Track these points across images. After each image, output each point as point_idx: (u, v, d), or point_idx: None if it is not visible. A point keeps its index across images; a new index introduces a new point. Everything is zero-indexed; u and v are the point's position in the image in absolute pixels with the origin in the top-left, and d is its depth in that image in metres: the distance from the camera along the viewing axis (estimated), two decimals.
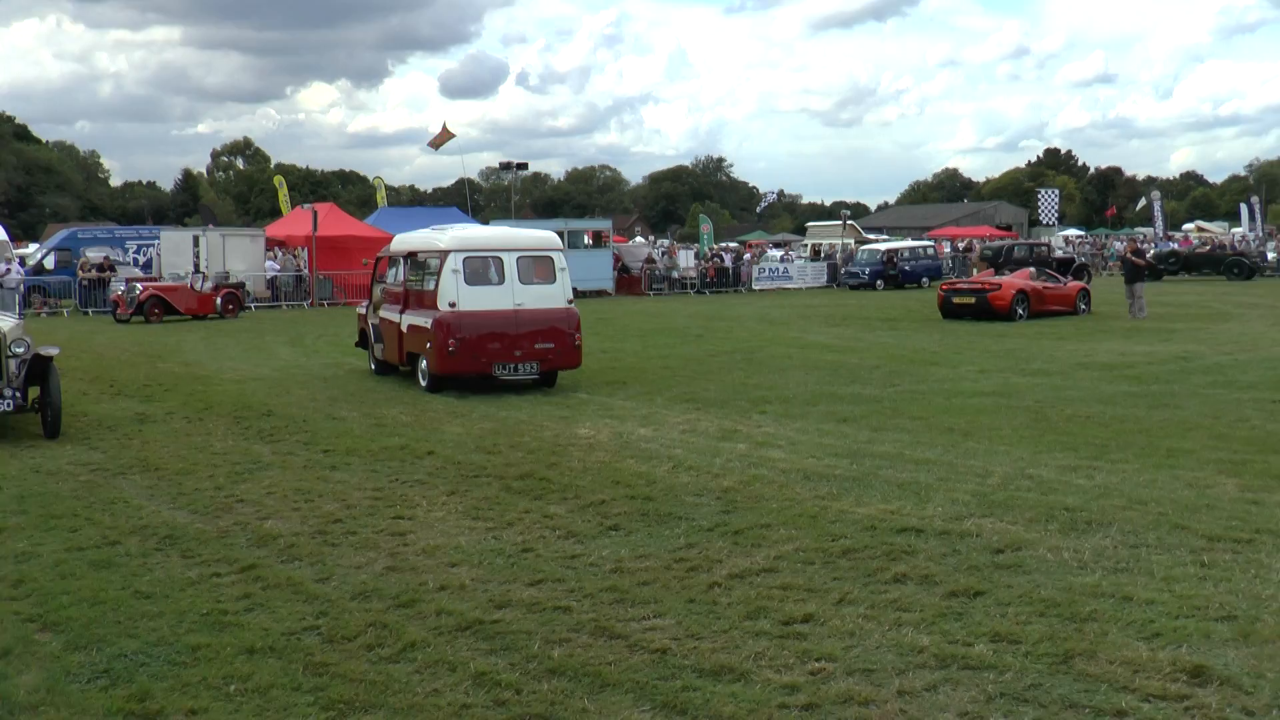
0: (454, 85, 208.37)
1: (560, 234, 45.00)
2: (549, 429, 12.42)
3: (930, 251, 49.78)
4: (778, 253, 59.30)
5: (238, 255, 38.96)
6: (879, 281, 45.76)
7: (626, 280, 46.54)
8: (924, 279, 46.90)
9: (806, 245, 63.00)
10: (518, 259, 16.12)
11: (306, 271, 39.96)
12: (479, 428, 12.60)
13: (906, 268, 46.87)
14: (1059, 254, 47.92)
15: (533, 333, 15.87)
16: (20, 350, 12.44)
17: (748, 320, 29.87)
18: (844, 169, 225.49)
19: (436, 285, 15.99)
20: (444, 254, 16.00)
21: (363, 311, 19.47)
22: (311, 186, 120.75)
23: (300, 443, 11.87)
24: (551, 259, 16.35)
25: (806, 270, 50.99)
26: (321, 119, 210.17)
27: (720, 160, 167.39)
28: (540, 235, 16.89)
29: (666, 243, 74.20)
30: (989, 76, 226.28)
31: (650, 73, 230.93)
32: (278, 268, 40.14)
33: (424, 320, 16.03)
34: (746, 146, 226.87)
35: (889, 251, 47.43)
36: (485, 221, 55.96)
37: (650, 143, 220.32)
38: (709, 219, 65.23)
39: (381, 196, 60.65)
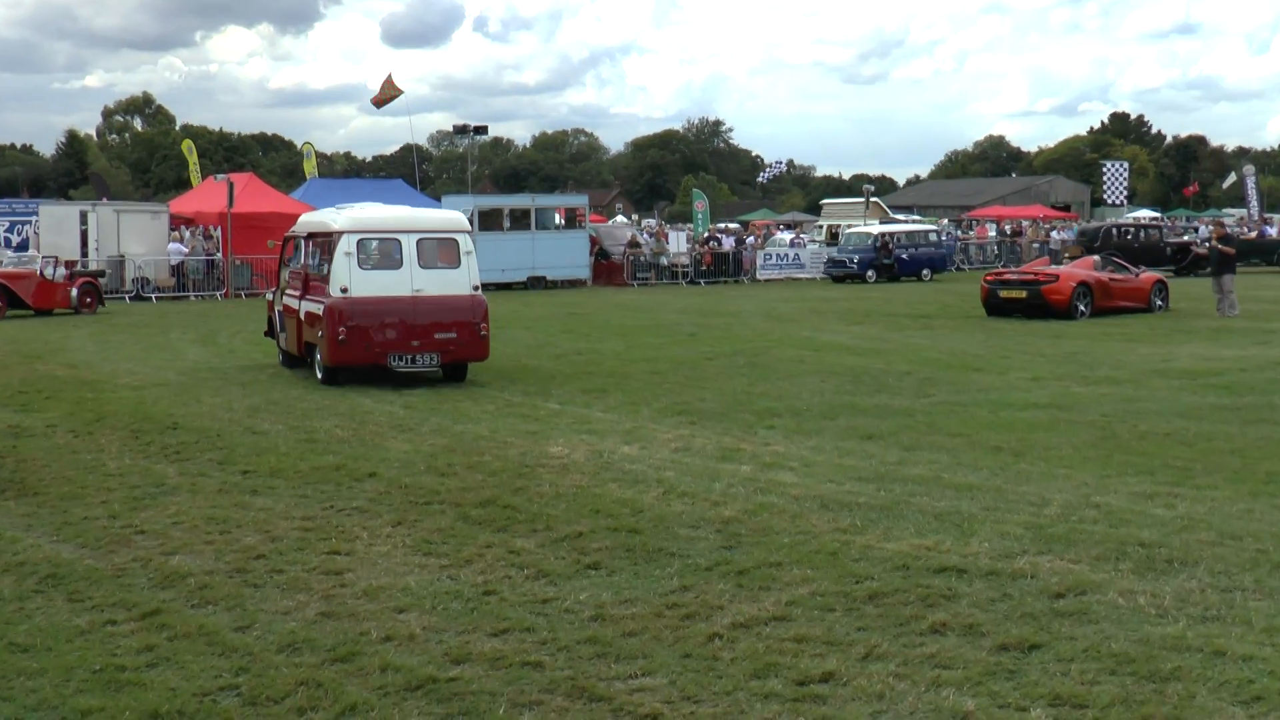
0: (399, 31, 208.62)
1: (527, 211, 45.16)
2: (514, 446, 12.40)
3: (934, 236, 49.64)
4: (787, 235, 59.51)
5: (135, 235, 38.87)
6: (870, 272, 45.39)
7: (606, 267, 46.58)
8: (925, 270, 46.79)
9: (821, 227, 63.07)
10: (418, 241, 17.42)
11: (220, 255, 39.88)
12: (430, 444, 12.57)
13: (904, 255, 46.72)
14: (1181, 240, 47.47)
15: (432, 321, 17.12)
16: None
17: (751, 316, 29.91)
18: (866, 135, 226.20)
19: (329, 269, 17.22)
20: (338, 235, 17.28)
21: (270, 298, 20.63)
22: (226, 153, 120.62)
23: (213, 462, 11.81)
24: (456, 241, 17.64)
25: (822, 256, 51.09)
26: (238, 71, 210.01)
27: (717, 124, 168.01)
28: (444, 216, 18.31)
29: (653, 223, 74.37)
30: (1042, 25, 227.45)
31: (634, 17, 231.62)
32: (185, 251, 40.04)
33: (318, 307, 17.23)
34: (749, 107, 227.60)
35: (883, 236, 47.13)
36: (437, 197, 55.99)
37: (633, 102, 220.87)
38: (704, 194, 65.47)
39: (311, 166, 60.65)
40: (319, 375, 17.42)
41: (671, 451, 12.07)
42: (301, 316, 18.09)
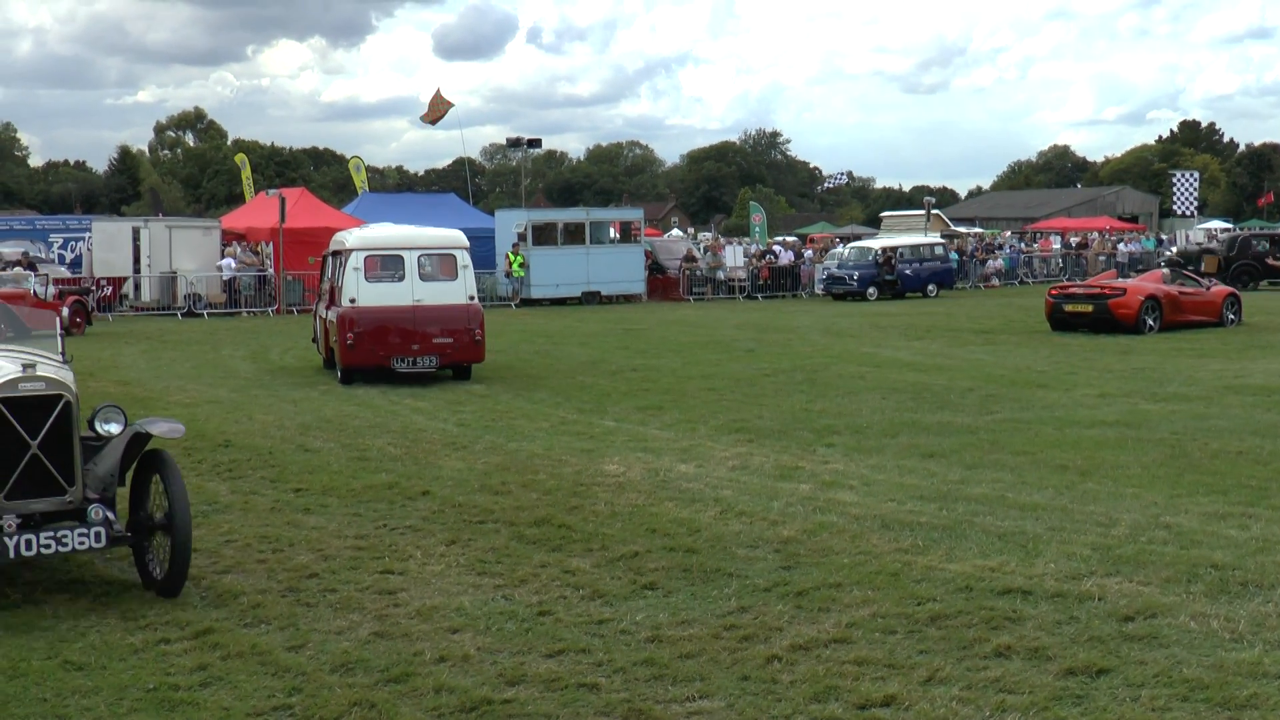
0: (451, 43, 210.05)
1: (581, 225, 45.42)
2: (569, 464, 12.43)
3: (941, 250, 48.33)
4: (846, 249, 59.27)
5: (187, 251, 39.37)
6: (871, 289, 44.44)
7: (661, 282, 46.64)
8: (930, 286, 45.91)
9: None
10: (418, 257, 20.34)
11: (271, 271, 40.24)
12: (484, 462, 12.63)
13: (908, 271, 45.67)
14: None
15: (431, 328, 19.82)
16: (112, 428, 8.59)
17: (809, 332, 29.85)
18: (927, 146, 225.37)
19: (342, 282, 20.14)
20: (348, 252, 20.23)
21: (315, 308, 23.71)
22: (278, 167, 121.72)
23: (265, 480, 11.92)
24: (454, 256, 20.49)
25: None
26: (290, 85, 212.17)
27: (774, 135, 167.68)
28: (443, 234, 21.34)
29: (709, 236, 74.32)
30: (1109, 31, 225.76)
31: (689, 27, 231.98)
32: (236, 267, 40.42)
33: (334, 316, 20.26)
34: (807, 118, 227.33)
35: (885, 250, 46.23)
36: (490, 211, 56.22)
37: (689, 113, 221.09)
38: (761, 208, 65.47)
39: (361, 180, 61.06)
40: (338, 376, 19.96)
41: (729, 470, 12.07)
42: (327, 325, 21.05)
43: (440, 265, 20.48)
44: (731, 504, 10.42)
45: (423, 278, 20.20)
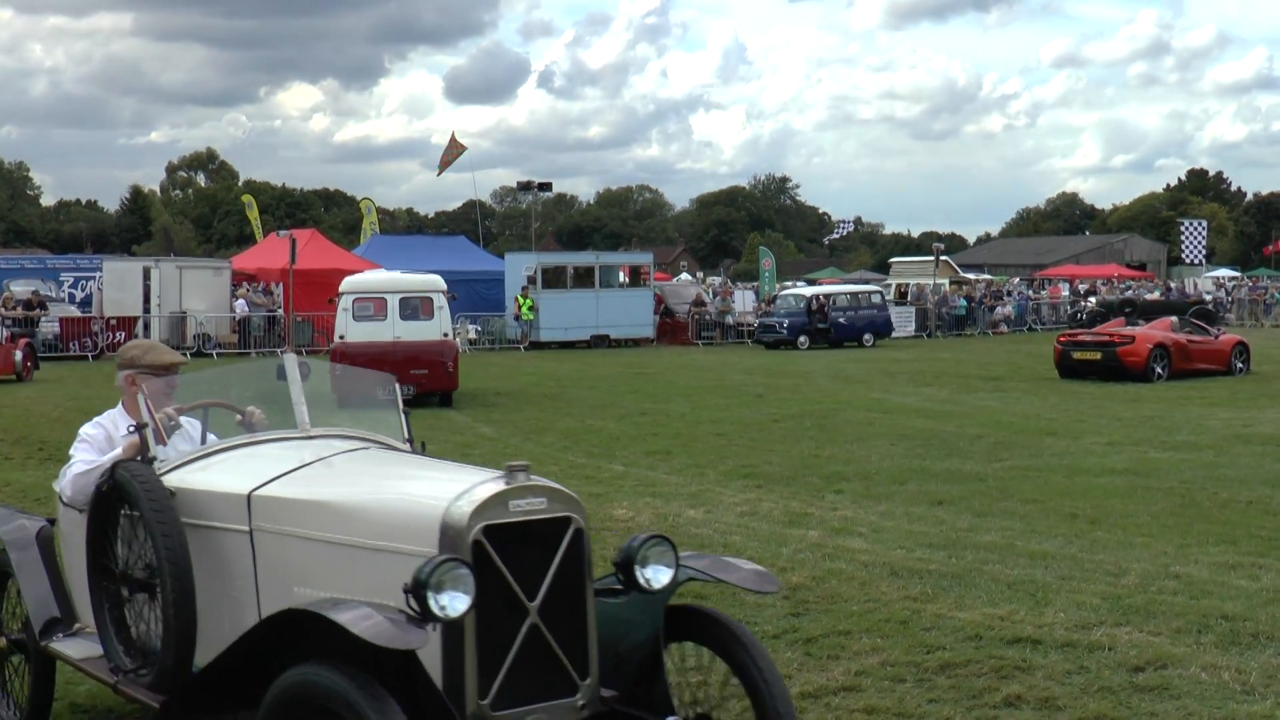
0: (463, 87, 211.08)
1: (590, 269, 45.77)
2: None
3: (878, 298, 47.26)
4: None
5: (197, 291, 39.48)
6: (802, 338, 43.31)
7: (670, 326, 46.70)
8: (866, 335, 44.77)
9: (890, 285, 62.92)
10: (400, 299, 23.64)
11: (281, 312, 40.35)
12: None
13: (842, 319, 44.74)
14: None
15: (408, 361, 22.29)
16: (659, 575, 4.91)
17: (819, 377, 29.87)
18: (936, 192, 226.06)
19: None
20: (340, 295, 23.80)
21: None
22: (288, 209, 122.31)
23: None
24: (431, 299, 23.72)
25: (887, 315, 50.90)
26: (302, 127, 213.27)
27: (784, 180, 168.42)
28: (423, 279, 24.65)
29: (718, 281, 74.48)
30: (1118, 79, 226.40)
31: (700, 72, 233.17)
32: (247, 307, 40.53)
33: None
34: (816, 164, 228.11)
35: (817, 298, 45.26)
36: (500, 254, 56.42)
37: (699, 158, 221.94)
38: (770, 252, 65.50)
39: (371, 222, 61.29)
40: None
41: (738, 515, 12.07)
42: None
43: (419, 306, 23.64)
44: (740, 549, 10.40)
45: (403, 317, 23.44)
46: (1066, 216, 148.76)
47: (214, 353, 37.95)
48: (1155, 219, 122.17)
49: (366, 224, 61.46)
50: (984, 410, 21.73)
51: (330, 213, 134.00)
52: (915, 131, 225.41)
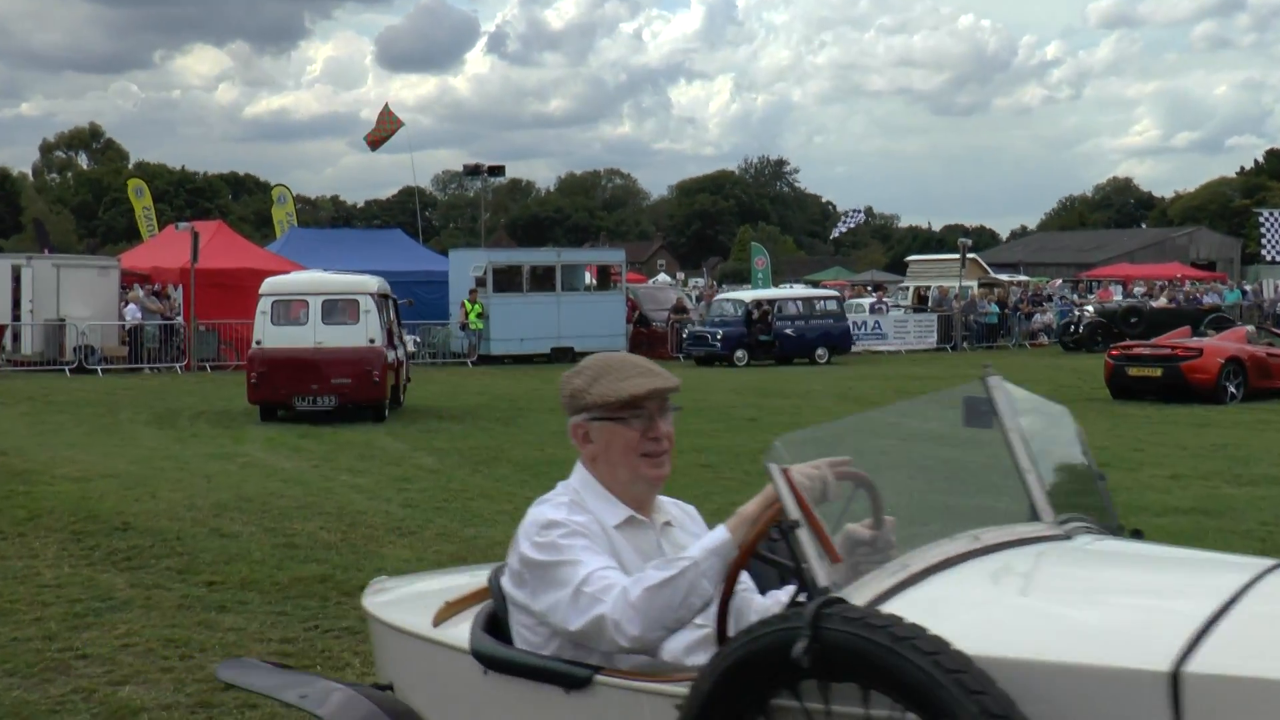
0: (398, 52, 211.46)
1: (550, 269, 45.90)
2: None
3: (834, 305, 46.72)
4: (866, 300, 59.59)
5: (78, 295, 39.27)
6: (739, 352, 43.30)
7: (645, 336, 46.80)
8: (819, 349, 44.73)
9: (907, 289, 63.20)
10: (322, 302, 25.29)
11: (181, 320, 40.19)
12: (435, 551, 12.57)
13: (789, 330, 44.52)
14: None
15: (330, 369, 24.40)
16: None
17: (822, 397, 29.90)
18: (961, 178, 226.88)
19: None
20: (260, 297, 25.38)
21: None
22: (189, 197, 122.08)
23: (172, 571, 11.83)
24: (357, 302, 25.36)
25: (908, 325, 51.18)
26: (205, 99, 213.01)
27: (780, 164, 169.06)
28: (350, 280, 26.69)
29: (702, 283, 74.64)
30: (1180, 42, 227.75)
31: (682, 35, 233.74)
32: (139, 313, 40.32)
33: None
34: (819, 144, 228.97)
35: (760, 305, 44.90)
36: (442, 251, 56.42)
37: (680, 137, 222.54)
38: (764, 249, 65.77)
39: (288, 212, 61.21)
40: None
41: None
42: None
43: (343, 310, 25.30)
44: None
45: (325, 321, 25.09)
46: (1118, 206, 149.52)
47: (99, 368, 37.79)
48: (1226, 209, 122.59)
49: (283, 215, 61.39)
50: None
51: (240, 201, 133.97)
52: (936, 106, 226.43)
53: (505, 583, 4.44)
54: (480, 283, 43.21)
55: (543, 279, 44.64)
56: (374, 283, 26.34)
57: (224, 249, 43.21)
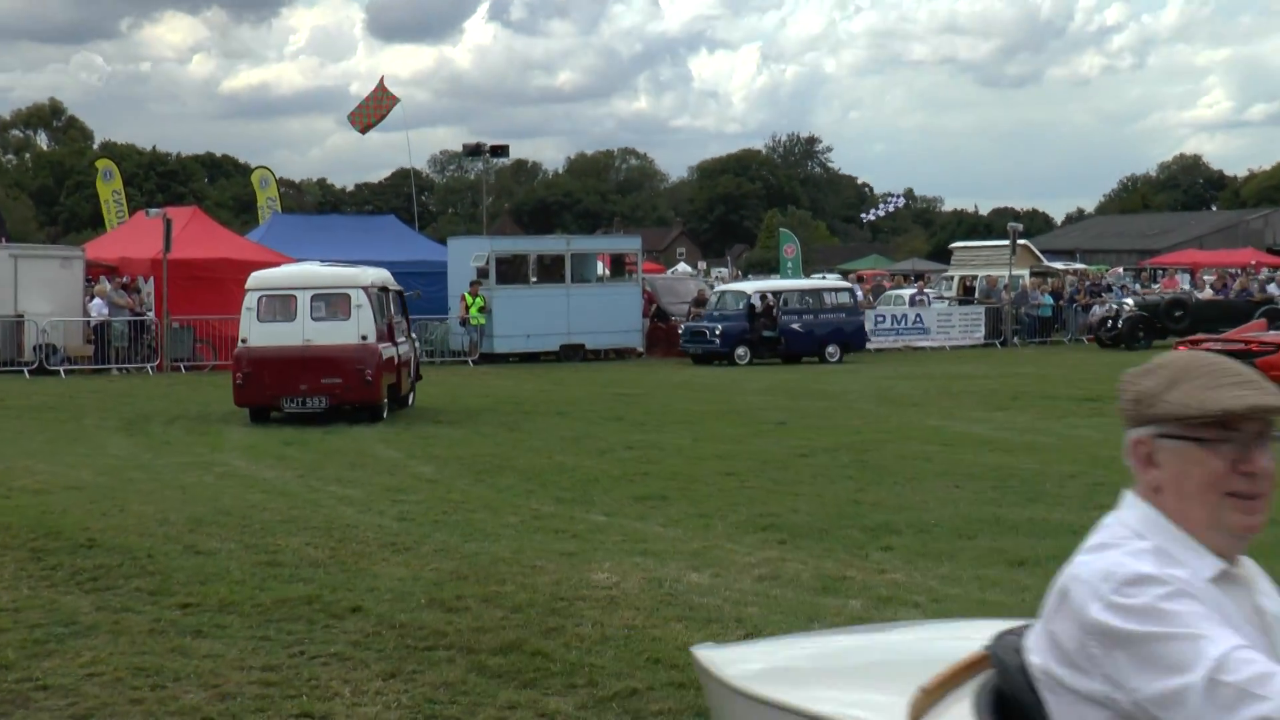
0: (391, 20, 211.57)
1: (560, 258, 45.98)
2: (545, 572, 12.39)
3: (846, 298, 46.35)
4: (906, 291, 59.58)
5: (39, 288, 39.23)
6: (741, 349, 43.19)
7: (664, 332, 46.81)
8: (830, 347, 44.27)
9: (952, 279, 63.13)
10: (311, 297, 26.00)
11: (152, 316, 40.20)
12: (433, 569, 12.58)
13: (796, 325, 44.32)
14: None
15: (319, 368, 25.21)
16: None
17: (859, 399, 29.91)
18: (1012, 157, 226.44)
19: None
20: (247, 292, 26.19)
21: None
22: (161, 180, 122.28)
23: (142, 592, 11.84)
24: (348, 296, 26.01)
25: (952, 318, 51.10)
26: (178, 72, 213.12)
27: (811, 142, 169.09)
28: (340, 273, 27.17)
29: (725, 273, 74.64)
30: (1256, 3, 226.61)
31: (703, 2, 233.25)
32: (106, 309, 40.30)
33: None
34: (854, 120, 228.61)
35: (764, 298, 44.84)
36: (440, 239, 56.46)
37: (701, 113, 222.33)
38: (794, 236, 65.75)
39: (270, 197, 61.23)
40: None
41: (755, 580, 12.03)
42: None
43: (334, 305, 26.01)
44: (758, 625, 10.38)
45: (314, 318, 25.83)
46: (1186, 187, 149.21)
47: (62, 369, 37.84)
48: None
49: (264, 200, 61.46)
50: (1078, 441, 21.75)
51: (217, 185, 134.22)
52: (984, 77, 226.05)
53: (1043, 659, 3.58)
54: (482, 274, 43.18)
55: (551, 270, 44.65)
56: (369, 275, 26.89)
57: (200, 237, 43.15)
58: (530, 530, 14.55)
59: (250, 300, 25.92)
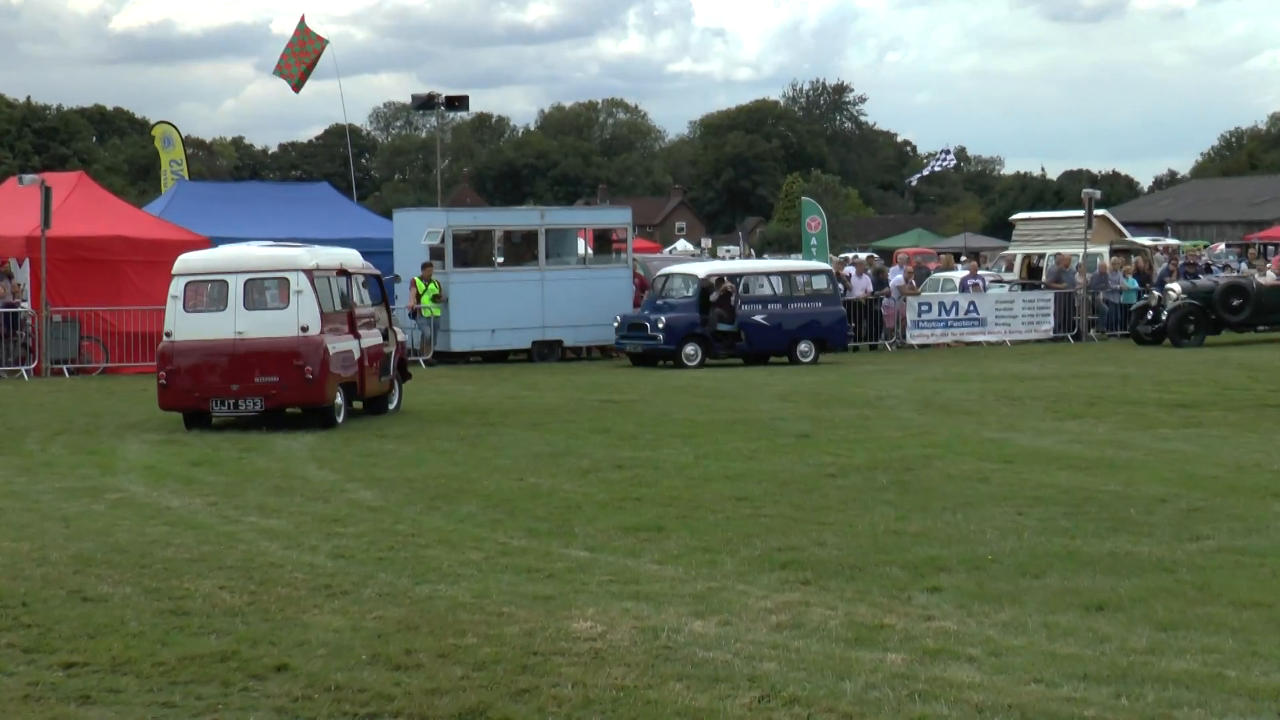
0: None
1: (533, 234, 45.89)
2: (514, 620, 12.40)
3: (823, 283, 45.48)
4: (956, 274, 59.51)
5: None
6: (691, 347, 42.48)
7: None
8: (802, 344, 43.59)
9: (1013, 258, 63.15)
10: (245, 282, 26.70)
11: (27, 306, 40.10)
12: (376, 617, 12.59)
13: (759, 318, 43.64)
14: None
15: (253, 364, 26.08)
16: None
17: (899, 405, 29.97)
18: (1087, 109, 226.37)
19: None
20: (173, 278, 26.99)
21: None
22: (37, 139, 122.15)
23: (15, 649, 11.82)
24: (288, 280, 26.67)
25: (1014, 307, 51.07)
26: (57, 7, 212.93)
27: (841, 91, 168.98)
28: (278, 254, 27.90)
29: (736, 252, 74.67)
30: None
31: None
32: None
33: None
34: (893, 64, 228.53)
35: (719, 282, 44.01)
36: (385, 212, 56.48)
37: (705, 56, 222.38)
38: (818, 207, 65.73)
39: (175, 160, 61.11)
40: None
41: (771, 629, 12.05)
42: None
43: (270, 291, 26.95)
44: (777, 686, 10.39)
45: (247, 306, 26.57)
46: None
47: None
48: None
49: (167, 163, 61.38)
50: (1169, 458, 21.78)
51: (108, 145, 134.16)
52: (1053, 10, 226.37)
53: None
54: (436, 254, 43.12)
55: (521, 249, 44.66)
56: (316, 256, 27.89)
57: (86, 210, 42.87)
58: (496, 569, 14.55)
59: (176, 287, 26.67)
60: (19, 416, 29.42)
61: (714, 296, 43.04)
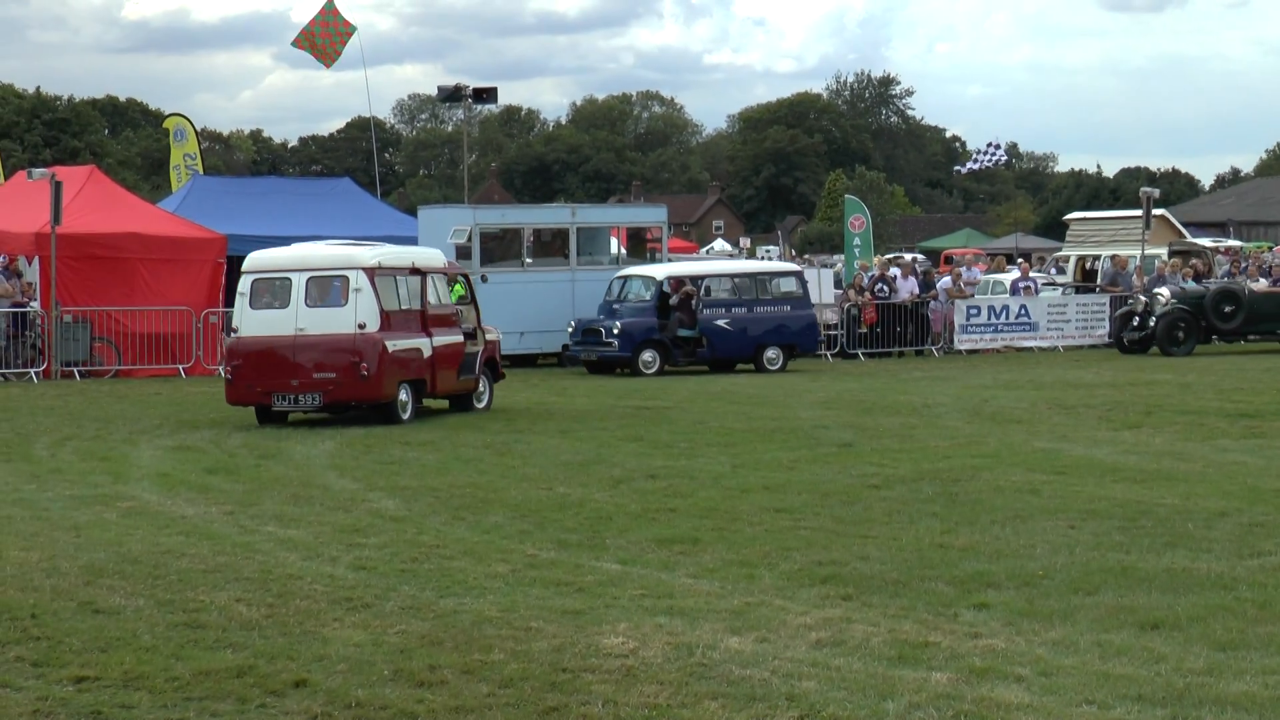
0: None
1: (563, 233, 46.02)
2: (543, 635, 12.41)
3: (792, 285, 45.16)
4: (1007, 276, 59.42)
5: None
6: (648, 353, 42.20)
7: None
8: (769, 350, 43.26)
9: (1067, 259, 63.05)
10: (307, 280, 28.55)
11: (37, 306, 40.16)
12: (399, 631, 12.61)
13: (722, 323, 43.44)
14: None
15: (313, 361, 27.90)
16: None
17: (946, 414, 29.94)
18: (1145, 104, 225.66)
19: None
20: (242, 274, 29.24)
21: None
22: (47, 131, 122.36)
23: (25, 662, 11.86)
24: (347, 278, 28.42)
25: (1068, 311, 50.96)
26: None
27: (887, 84, 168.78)
28: (340, 253, 30.00)
29: (775, 252, 74.60)
30: None
31: None
32: None
33: None
34: (942, 56, 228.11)
35: (679, 284, 43.86)
36: (410, 209, 56.51)
37: (745, 47, 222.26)
38: (863, 206, 65.59)
39: (189, 154, 61.13)
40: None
41: (811, 647, 12.05)
42: None
43: (331, 289, 28.65)
44: (817, 705, 10.40)
45: (309, 304, 28.30)
46: None
47: None
48: None
49: (181, 157, 61.44)
50: (1230, 469, 21.73)
51: (120, 138, 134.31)
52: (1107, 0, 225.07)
53: None
54: (463, 253, 43.10)
55: (551, 247, 44.66)
56: (379, 253, 30.02)
57: (98, 205, 43.06)
58: (524, 582, 14.56)
59: (244, 284, 28.84)
60: (28, 421, 29.51)
61: (674, 300, 42.85)
